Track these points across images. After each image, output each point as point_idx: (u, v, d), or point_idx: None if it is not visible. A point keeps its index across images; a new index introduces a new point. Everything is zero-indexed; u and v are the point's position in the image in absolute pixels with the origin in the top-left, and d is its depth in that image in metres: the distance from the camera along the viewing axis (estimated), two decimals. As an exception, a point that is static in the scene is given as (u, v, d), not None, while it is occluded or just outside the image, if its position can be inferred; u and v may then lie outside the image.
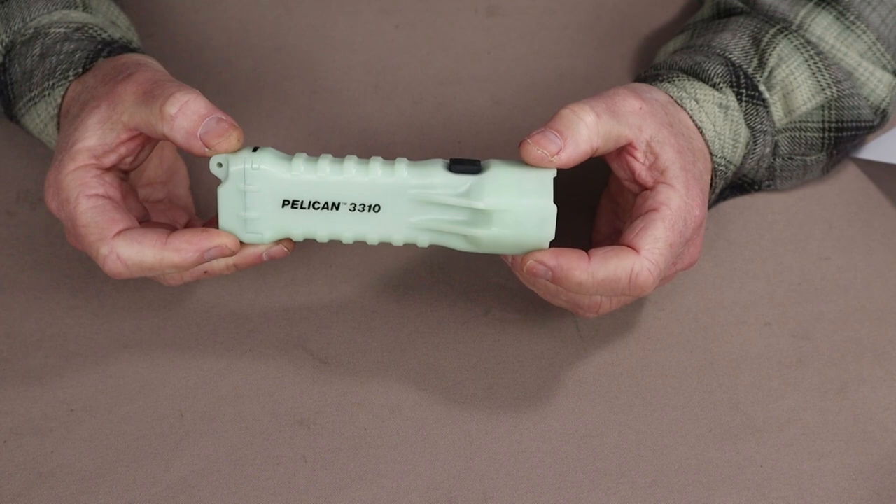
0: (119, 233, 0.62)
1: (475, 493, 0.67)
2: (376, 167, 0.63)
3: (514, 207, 0.62)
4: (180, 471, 0.68)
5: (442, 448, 0.68)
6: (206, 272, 0.65)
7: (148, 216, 0.68)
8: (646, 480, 0.67)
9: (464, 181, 0.62)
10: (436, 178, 0.63)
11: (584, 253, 0.62)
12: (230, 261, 0.64)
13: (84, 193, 0.63)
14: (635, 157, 0.65)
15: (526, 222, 0.62)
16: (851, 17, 0.73)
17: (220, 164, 0.62)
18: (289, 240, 0.64)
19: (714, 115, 0.69)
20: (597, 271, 0.61)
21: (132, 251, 0.62)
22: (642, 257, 0.62)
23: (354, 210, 0.63)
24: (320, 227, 0.63)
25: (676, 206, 0.63)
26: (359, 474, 0.67)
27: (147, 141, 0.65)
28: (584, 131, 0.63)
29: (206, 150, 0.61)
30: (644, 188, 0.65)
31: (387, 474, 0.67)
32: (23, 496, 0.67)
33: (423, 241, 0.63)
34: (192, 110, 0.61)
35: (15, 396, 0.70)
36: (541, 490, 0.67)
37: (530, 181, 0.62)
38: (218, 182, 0.63)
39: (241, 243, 0.63)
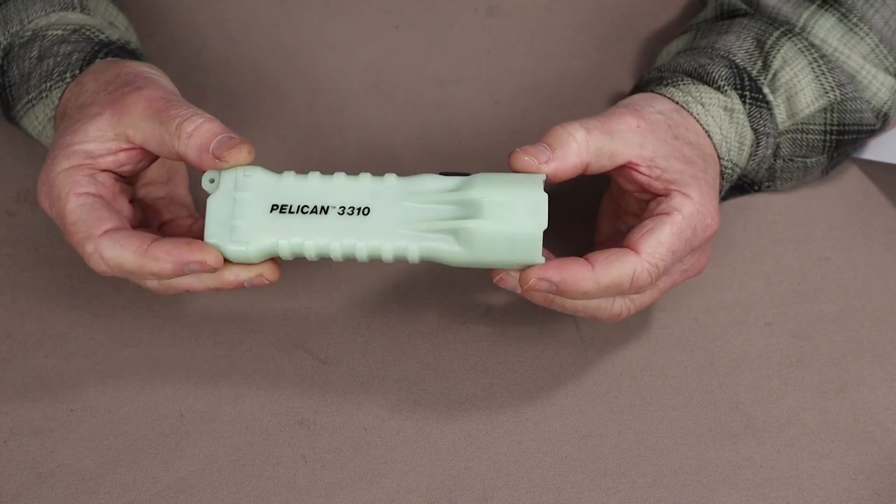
0: (105, 232, 0.62)
1: (475, 493, 0.67)
2: (365, 177, 0.63)
3: (505, 197, 0.61)
4: (180, 471, 0.68)
5: (442, 448, 0.68)
6: (187, 290, 0.65)
7: (146, 221, 0.68)
8: (646, 480, 0.67)
9: (453, 181, 0.63)
10: (426, 184, 0.63)
11: (584, 261, 0.62)
12: (211, 284, 0.64)
13: (74, 191, 0.63)
14: (640, 172, 0.65)
15: (518, 211, 0.61)
16: (854, 20, 0.73)
17: (211, 180, 0.63)
18: (271, 267, 0.63)
19: (720, 119, 0.69)
20: (601, 278, 0.61)
21: (114, 252, 0.62)
22: (643, 259, 0.62)
23: (343, 213, 0.62)
24: (309, 233, 0.62)
25: (689, 214, 0.63)
26: (359, 474, 0.67)
27: (146, 155, 0.65)
28: (573, 145, 0.63)
29: (218, 161, 0.62)
30: (657, 195, 0.65)
31: (387, 474, 0.67)
32: (23, 496, 0.67)
33: (414, 249, 0.62)
34: (207, 129, 0.62)
35: (15, 396, 0.70)
36: (541, 490, 0.67)
37: (521, 179, 0.62)
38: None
39: (225, 260, 0.62)
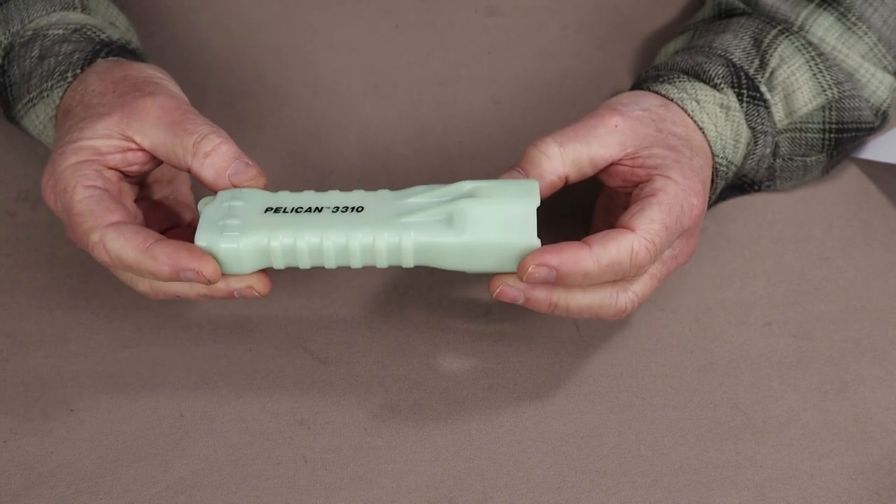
0: (113, 223, 0.62)
1: (475, 493, 0.67)
2: (358, 191, 0.64)
3: (496, 185, 0.63)
4: (180, 471, 0.68)
5: (442, 448, 0.68)
6: (177, 296, 0.65)
7: (148, 224, 0.68)
8: (646, 480, 0.67)
9: (444, 185, 0.63)
10: (418, 189, 0.63)
11: (582, 243, 0.62)
12: (202, 290, 0.64)
13: (82, 184, 0.63)
14: (623, 165, 0.65)
15: (510, 192, 0.62)
16: (853, 19, 0.73)
17: (206, 203, 0.64)
18: (262, 280, 0.63)
19: (715, 116, 0.69)
20: (601, 257, 0.61)
21: (117, 245, 0.62)
22: (639, 235, 0.62)
23: (337, 211, 0.63)
24: (301, 228, 0.62)
25: (674, 193, 0.63)
26: (359, 474, 0.67)
27: (153, 158, 0.65)
28: (546, 163, 0.64)
29: (232, 186, 0.64)
30: (639, 182, 0.65)
31: (387, 474, 0.67)
32: (23, 496, 0.67)
33: (408, 242, 0.62)
34: (223, 151, 0.64)
35: (15, 396, 0.70)
36: (541, 490, 0.67)
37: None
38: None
39: (222, 274, 0.63)
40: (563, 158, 0.64)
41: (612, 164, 0.65)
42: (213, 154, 0.64)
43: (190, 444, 0.68)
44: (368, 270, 0.74)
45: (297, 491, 0.67)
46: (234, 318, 0.73)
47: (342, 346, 0.72)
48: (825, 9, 0.73)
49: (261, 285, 0.63)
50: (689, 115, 0.68)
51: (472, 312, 0.73)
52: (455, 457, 0.68)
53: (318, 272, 0.74)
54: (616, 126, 0.65)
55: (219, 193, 0.64)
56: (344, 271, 0.74)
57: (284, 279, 0.74)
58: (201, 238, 0.62)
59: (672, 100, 0.68)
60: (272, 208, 0.63)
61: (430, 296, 0.73)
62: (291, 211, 0.63)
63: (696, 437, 0.69)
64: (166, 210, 0.71)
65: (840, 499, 0.67)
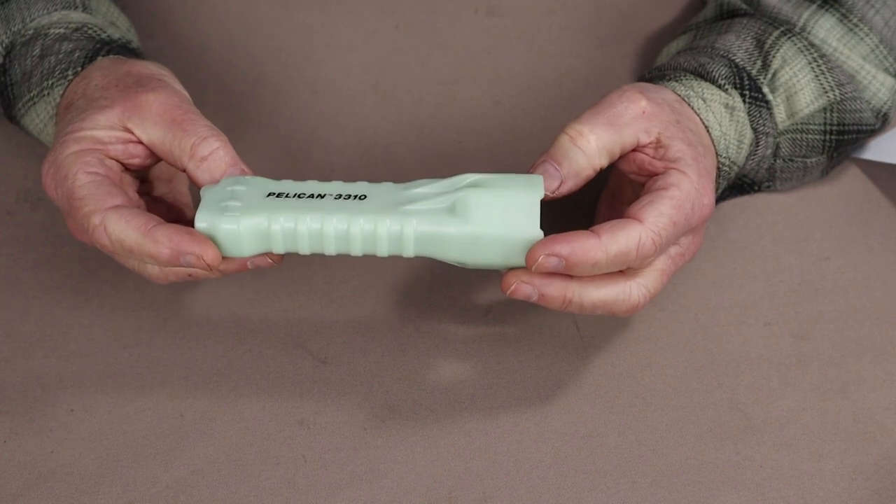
0: (114, 206, 0.62)
1: (475, 493, 0.67)
2: (362, 181, 0.64)
3: (500, 177, 0.63)
4: (180, 471, 0.68)
5: (442, 448, 0.68)
6: (190, 275, 0.65)
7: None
8: (646, 480, 0.67)
9: (447, 178, 0.63)
10: (421, 182, 0.63)
11: (591, 232, 0.61)
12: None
13: (83, 170, 0.63)
14: (644, 153, 0.65)
15: (513, 183, 0.62)
16: (855, 20, 0.73)
17: None
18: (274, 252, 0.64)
19: (720, 116, 0.69)
20: (609, 247, 0.61)
21: (118, 227, 0.62)
22: (646, 227, 0.62)
23: (339, 198, 0.63)
24: (302, 212, 0.62)
25: (686, 189, 0.63)
26: (359, 474, 0.67)
27: (153, 153, 0.66)
28: (581, 159, 0.63)
29: None
30: (654, 174, 0.65)
31: (387, 474, 0.67)
32: (23, 496, 0.67)
33: (409, 229, 0.62)
34: (220, 157, 0.64)
35: (15, 396, 0.70)
36: (541, 490, 0.67)
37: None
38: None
39: (223, 258, 0.63)
40: (597, 149, 0.64)
41: (634, 151, 0.65)
42: (210, 159, 0.64)
43: (190, 444, 0.68)
44: (369, 270, 0.74)
45: (297, 491, 0.67)
46: (235, 318, 0.73)
47: (342, 346, 0.72)
48: (827, 10, 0.73)
49: (274, 253, 0.64)
50: (695, 112, 0.68)
51: (473, 312, 0.73)
52: (455, 457, 0.68)
53: (318, 273, 0.74)
54: (644, 112, 0.65)
55: (222, 179, 0.64)
56: (344, 272, 0.74)
57: (284, 279, 0.74)
58: (202, 218, 0.62)
59: (680, 96, 0.68)
60: (274, 193, 0.63)
61: (430, 296, 0.73)
62: (294, 196, 0.63)
63: (696, 437, 0.69)
64: (168, 207, 0.71)
65: (840, 499, 0.67)
